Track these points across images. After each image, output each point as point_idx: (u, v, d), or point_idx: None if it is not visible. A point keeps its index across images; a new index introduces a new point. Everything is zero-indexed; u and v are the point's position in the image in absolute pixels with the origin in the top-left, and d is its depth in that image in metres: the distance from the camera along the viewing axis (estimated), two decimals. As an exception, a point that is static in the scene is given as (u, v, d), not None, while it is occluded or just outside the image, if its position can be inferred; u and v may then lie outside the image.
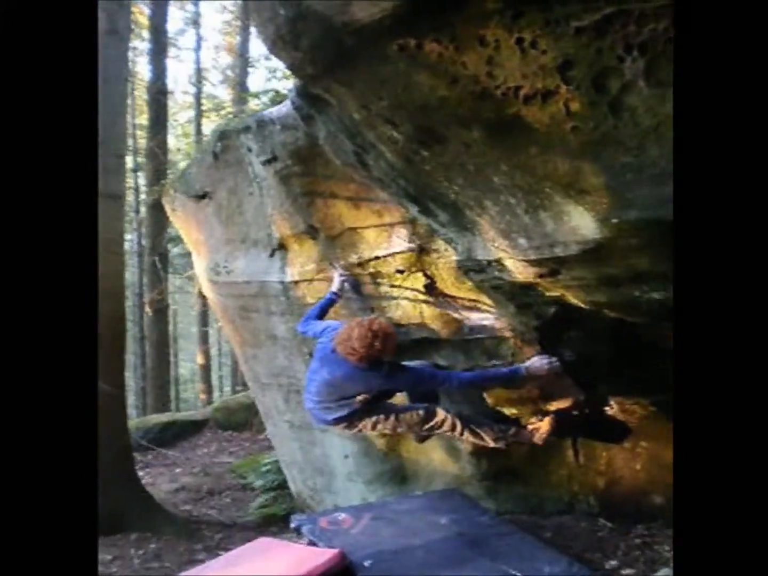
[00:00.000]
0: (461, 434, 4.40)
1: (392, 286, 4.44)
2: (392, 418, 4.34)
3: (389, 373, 4.04)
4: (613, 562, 4.20)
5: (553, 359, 4.03)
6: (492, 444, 4.45)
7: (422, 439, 4.87)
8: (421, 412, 4.36)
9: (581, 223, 2.61)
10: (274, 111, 4.28)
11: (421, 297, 4.33)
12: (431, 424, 4.37)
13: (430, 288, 4.26)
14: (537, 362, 4.04)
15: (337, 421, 4.35)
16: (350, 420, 4.33)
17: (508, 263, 3.28)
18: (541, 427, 4.43)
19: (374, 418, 4.33)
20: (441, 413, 4.36)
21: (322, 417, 4.39)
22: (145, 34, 15.23)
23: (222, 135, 4.96)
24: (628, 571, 4.06)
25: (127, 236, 8.78)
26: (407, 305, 4.45)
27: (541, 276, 3.23)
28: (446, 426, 4.36)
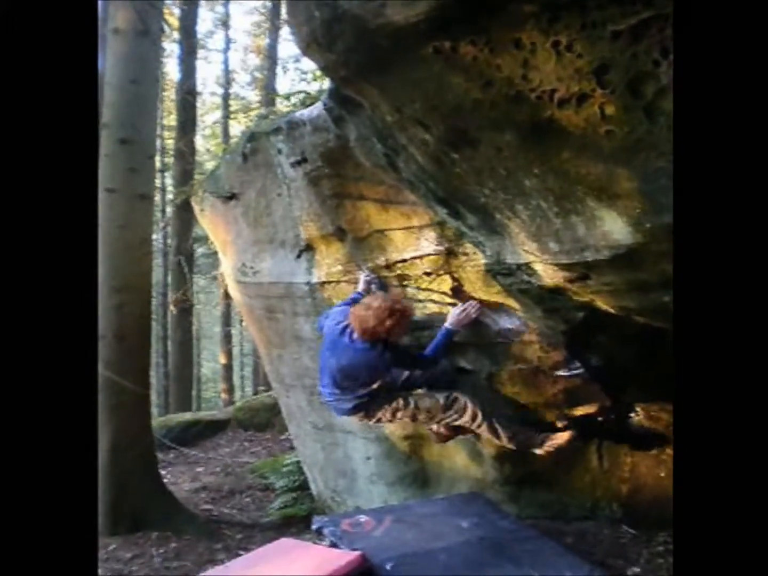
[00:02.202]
0: (479, 426, 4.36)
1: (419, 288, 4.45)
2: (411, 405, 4.34)
3: (388, 350, 4.10)
4: (636, 569, 4.17)
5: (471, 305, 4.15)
6: (506, 443, 4.43)
7: (443, 439, 4.85)
8: (441, 399, 4.35)
9: (614, 227, 2.60)
10: (305, 113, 4.29)
11: (448, 300, 4.33)
12: (452, 411, 4.35)
13: (457, 291, 4.25)
14: (455, 312, 4.18)
15: (355, 410, 4.38)
16: (368, 408, 4.35)
17: (538, 267, 3.27)
18: (556, 439, 4.41)
19: (393, 406, 4.34)
20: (462, 401, 4.34)
21: (340, 407, 4.42)
22: (175, 35, 15.34)
23: (251, 136, 4.97)
24: (650, 578, 4.04)
25: (153, 236, 8.83)
26: (434, 308, 4.44)
27: (570, 281, 3.22)
28: (467, 415, 4.34)
